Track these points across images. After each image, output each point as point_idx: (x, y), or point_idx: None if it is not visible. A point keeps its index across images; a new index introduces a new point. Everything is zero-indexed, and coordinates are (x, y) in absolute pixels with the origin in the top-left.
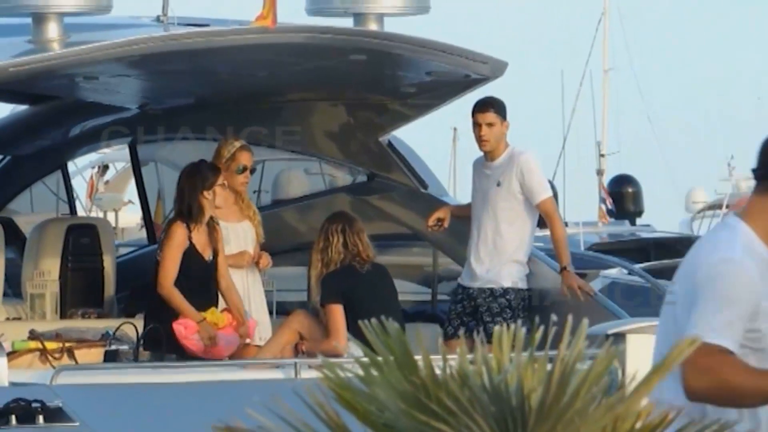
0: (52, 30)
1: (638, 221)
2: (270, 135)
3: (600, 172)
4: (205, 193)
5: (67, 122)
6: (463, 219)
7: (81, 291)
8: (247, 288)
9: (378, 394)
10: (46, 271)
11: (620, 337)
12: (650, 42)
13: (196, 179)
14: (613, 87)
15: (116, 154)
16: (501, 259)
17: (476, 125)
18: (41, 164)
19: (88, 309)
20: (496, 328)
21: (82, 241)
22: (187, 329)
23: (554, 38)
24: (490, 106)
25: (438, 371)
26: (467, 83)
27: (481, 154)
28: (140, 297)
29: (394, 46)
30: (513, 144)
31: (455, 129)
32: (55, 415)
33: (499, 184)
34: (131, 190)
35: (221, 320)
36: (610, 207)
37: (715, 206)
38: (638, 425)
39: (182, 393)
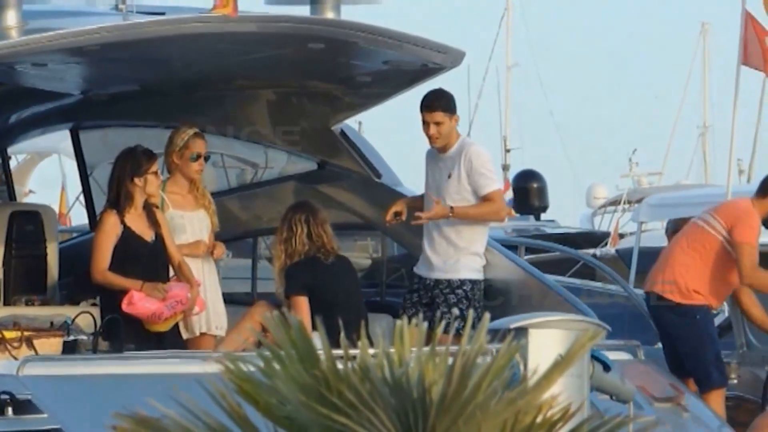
0: (11, 18)
1: (543, 216)
2: (219, 123)
3: (505, 168)
4: (136, 179)
5: (7, 108)
6: (418, 210)
7: (25, 278)
8: (202, 277)
9: (279, 386)
10: None
11: (522, 332)
12: (553, 38)
13: (127, 165)
14: (515, 83)
15: (17, 146)
16: (457, 250)
17: (425, 123)
18: None
19: (31, 296)
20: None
21: (26, 228)
22: (133, 300)
23: (458, 34)
24: (437, 104)
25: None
26: (423, 72)
27: None
28: (83, 284)
29: (352, 35)
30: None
31: (360, 123)
32: (24, 406)
33: (450, 176)
34: (32, 181)
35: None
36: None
37: (615, 202)
38: (539, 419)
39: (148, 384)
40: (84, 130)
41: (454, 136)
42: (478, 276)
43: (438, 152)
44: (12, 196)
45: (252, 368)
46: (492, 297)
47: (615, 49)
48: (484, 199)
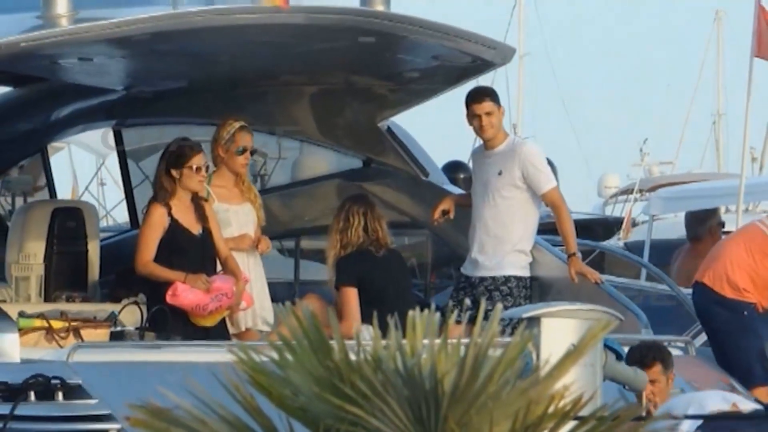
0: (61, 6)
1: None
2: (265, 119)
3: None
4: (173, 171)
5: (50, 105)
6: (465, 208)
7: (65, 275)
8: (248, 271)
9: (292, 377)
10: (32, 254)
11: (535, 321)
12: (565, 27)
13: (169, 158)
14: (528, 72)
15: None
16: (504, 248)
17: (474, 116)
18: (21, 147)
19: (72, 293)
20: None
21: (68, 224)
22: (177, 291)
23: (470, 23)
24: (485, 95)
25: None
26: (472, 69)
27: (479, 143)
28: (124, 281)
29: (404, 28)
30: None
31: None
32: (74, 391)
33: (500, 173)
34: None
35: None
36: None
37: (627, 191)
38: (551, 409)
39: (196, 371)
40: (126, 128)
41: (502, 132)
42: (523, 273)
43: (486, 149)
44: (53, 192)
45: (265, 359)
46: (538, 294)
47: (628, 38)
48: (544, 197)
